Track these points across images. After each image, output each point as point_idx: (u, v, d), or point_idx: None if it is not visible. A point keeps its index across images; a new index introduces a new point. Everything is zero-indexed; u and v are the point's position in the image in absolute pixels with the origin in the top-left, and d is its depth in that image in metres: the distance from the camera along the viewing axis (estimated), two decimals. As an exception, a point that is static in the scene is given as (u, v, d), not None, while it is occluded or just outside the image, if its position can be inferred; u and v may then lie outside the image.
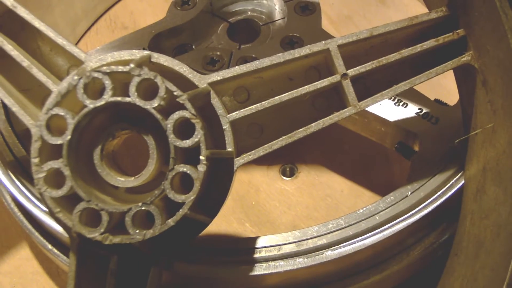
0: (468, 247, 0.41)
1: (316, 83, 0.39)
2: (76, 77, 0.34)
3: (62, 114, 0.34)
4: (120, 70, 0.34)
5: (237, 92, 0.40)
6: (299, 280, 0.44)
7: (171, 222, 0.34)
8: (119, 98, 0.34)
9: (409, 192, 0.45)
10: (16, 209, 0.52)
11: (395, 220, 0.43)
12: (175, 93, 0.34)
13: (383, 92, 0.40)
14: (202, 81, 0.38)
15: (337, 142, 0.62)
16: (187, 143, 0.34)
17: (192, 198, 0.34)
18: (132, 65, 0.34)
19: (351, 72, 0.39)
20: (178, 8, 0.64)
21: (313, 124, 0.39)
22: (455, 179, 0.45)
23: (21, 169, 0.49)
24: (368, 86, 0.41)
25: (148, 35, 0.61)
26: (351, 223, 0.43)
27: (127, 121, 0.36)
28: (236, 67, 0.39)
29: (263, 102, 0.38)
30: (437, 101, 0.53)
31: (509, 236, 0.36)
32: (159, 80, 0.34)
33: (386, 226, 0.43)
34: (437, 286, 0.44)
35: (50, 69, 0.41)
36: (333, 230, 0.43)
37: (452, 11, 0.41)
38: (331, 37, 0.58)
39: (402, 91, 0.40)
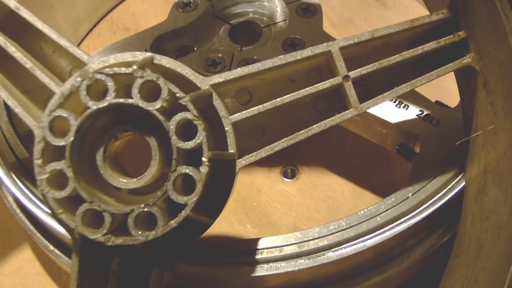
0: (469, 249, 0.41)
1: (317, 85, 0.39)
2: (78, 79, 0.34)
3: (65, 115, 0.34)
4: (122, 71, 0.34)
5: (239, 93, 0.40)
6: (300, 281, 0.44)
7: (173, 223, 0.34)
8: (121, 100, 0.34)
9: (410, 194, 0.45)
10: (18, 210, 0.52)
11: (396, 221, 0.43)
12: (177, 95, 0.34)
13: (385, 94, 0.40)
14: (204, 83, 0.38)
15: (338, 144, 0.62)
16: (189, 144, 0.34)
17: (194, 199, 0.34)
18: (134, 67, 0.34)
19: (353, 74, 0.39)
20: (180, 10, 0.64)
21: (315, 125, 0.39)
22: (456, 180, 0.45)
23: (23, 171, 0.49)
24: (370, 88, 0.41)
25: (150, 37, 0.61)
26: (352, 224, 0.43)
27: (129, 123, 0.36)
28: (238, 69, 0.39)
29: (265, 104, 0.39)
30: (438, 103, 0.53)
31: (510, 237, 0.36)
32: (161, 81, 0.34)
33: (387, 228, 0.43)
34: (438, 287, 0.44)
35: (53, 71, 0.41)
36: (334, 231, 0.43)
37: (453, 13, 0.41)
38: (332, 39, 0.58)
39: (403, 93, 0.40)
